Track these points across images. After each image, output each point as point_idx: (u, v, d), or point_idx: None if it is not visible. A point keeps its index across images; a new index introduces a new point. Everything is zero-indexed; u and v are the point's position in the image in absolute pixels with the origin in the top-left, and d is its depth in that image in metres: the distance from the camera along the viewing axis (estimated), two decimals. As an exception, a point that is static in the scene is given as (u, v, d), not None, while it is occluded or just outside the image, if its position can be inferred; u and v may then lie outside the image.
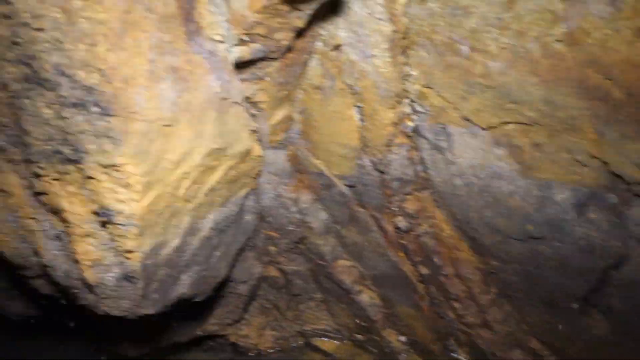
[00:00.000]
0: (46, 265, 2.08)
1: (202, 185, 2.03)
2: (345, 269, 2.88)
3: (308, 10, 1.95)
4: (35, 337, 3.73)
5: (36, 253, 2.08)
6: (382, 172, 2.53)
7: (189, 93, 1.82)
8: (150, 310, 2.04)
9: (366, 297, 2.93)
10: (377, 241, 2.72)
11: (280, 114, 2.48)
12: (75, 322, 2.97)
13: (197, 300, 2.38)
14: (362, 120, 2.41)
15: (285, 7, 1.86)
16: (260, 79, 2.25)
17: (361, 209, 2.68)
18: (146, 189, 1.75)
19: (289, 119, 2.54)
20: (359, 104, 2.37)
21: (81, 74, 1.54)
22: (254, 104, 2.35)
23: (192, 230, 2.10)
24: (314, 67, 2.36)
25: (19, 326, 3.32)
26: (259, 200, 2.66)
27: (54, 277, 2.11)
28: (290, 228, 2.79)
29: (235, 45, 1.99)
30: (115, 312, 2.02)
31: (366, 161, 2.53)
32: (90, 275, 1.92)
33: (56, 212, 1.89)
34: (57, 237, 1.98)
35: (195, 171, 1.94)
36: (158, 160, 1.76)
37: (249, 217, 2.59)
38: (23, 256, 2.14)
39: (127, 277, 1.90)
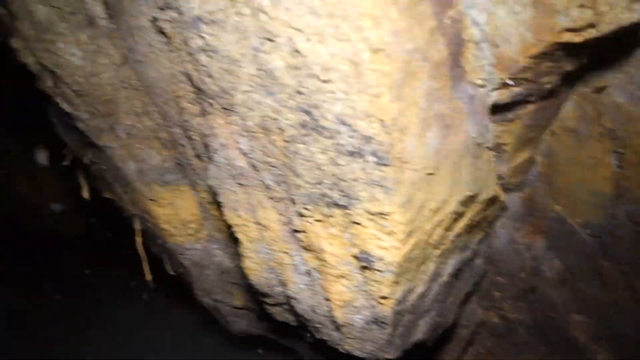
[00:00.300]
0: (291, 297, 2.17)
1: (450, 232, 1.97)
2: (579, 325, 2.63)
3: (585, 53, 1.80)
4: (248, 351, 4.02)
5: (283, 284, 2.18)
6: (638, 224, 2.25)
7: (450, 139, 1.77)
8: (392, 355, 2.02)
9: (602, 358, 2.64)
10: (623, 299, 2.43)
11: (522, 156, 2.33)
12: (295, 346, 3.09)
13: (427, 345, 2.32)
14: (620, 167, 2.17)
15: (561, 52, 1.73)
16: (509, 121, 2.14)
17: (607, 263, 2.42)
18: (407, 237, 1.72)
19: (530, 162, 2.38)
20: (619, 150, 2.13)
21: (362, 124, 1.55)
22: (497, 146, 2.24)
23: (435, 276, 2.05)
24: (569, 108, 2.18)
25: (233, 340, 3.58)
26: (489, 244, 2.54)
27: (297, 309, 2.19)
28: (520, 275, 2.62)
29: (495, 89, 1.90)
30: (358, 353, 2.03)
31: (620, 211, 2.27)
32: (339, 315, 1.95)
33: (311, 250, 1.95)
34: (307, 273, 2.05)
35: (448, 219, 1.88)
36: (420, 209, 1.73)
37: (479, 262, 2.48)
38: (269, 285, 2.25)
39: (377, 322, 1.89)
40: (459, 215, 1.94)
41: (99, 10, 2.19)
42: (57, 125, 2.97)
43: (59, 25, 2.21)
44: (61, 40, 2.23)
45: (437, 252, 1.97)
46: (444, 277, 2.13)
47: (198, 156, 2.36)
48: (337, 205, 1.74)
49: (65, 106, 2.46)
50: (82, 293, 6.19)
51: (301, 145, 1.73)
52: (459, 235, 2.04)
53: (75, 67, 2.29)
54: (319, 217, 1.82)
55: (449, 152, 1.78)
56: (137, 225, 2.98)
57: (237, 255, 2.79)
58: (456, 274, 2.24)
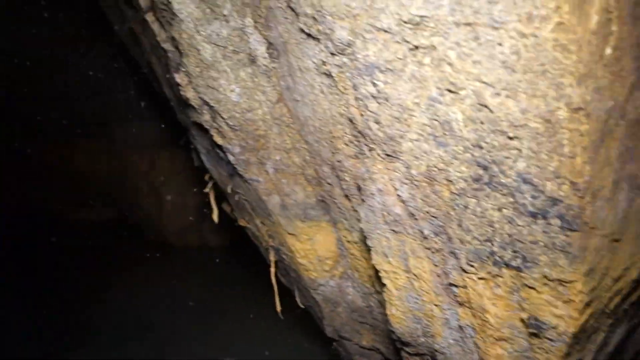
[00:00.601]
0: (438, 351, 2.08)
1: (627, 300, 1.80)
2: None
3: None
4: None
5: (429, 336, 2.09)
6: None
7: (638, 202, 1.62)
8: None
9: None
10: None
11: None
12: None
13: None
14: None
15: None
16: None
17: None
18: (586, 307, 1.58)
19: None
20: None
21: (549, 185, 1.45)
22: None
23: (602, 346, 1.88)
24: None
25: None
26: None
27: (442, 363, 2.09)
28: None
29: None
30: (512, 422, 1.89)
31: None
32: (496, 379, 1.83)
33: (468, 307, 1.85)
34: (460, 329, 1.95)
35: (627, 288, 1.72)
36: (602, 278, 1.59)
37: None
38: (412, 335, 2.17)
39: (541, 393, 1.75)
40: (638, 284, 1.77)
41: (261, 50, 2.24)
42: (204, 154, 3.09)
43: (222, 63, 2.29)
44: (223, 78, 2.31)
45: (609, 321, 1.81)
46: (610, 347, 1.95)
47: (346, 196, 2.35)
48: (507, 265, 1.64)
49: (218, 139, 2.54)
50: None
51: (472, 200, 1.65)
52: (632, 304, 1.86)
53: (233, 103, 2.37)
54: (484, 275, 1.73)
55: (636, 215, 1.62)
56: (272, 257, 3.02)
57: (370, 295, 2.75)
58: (622, 343, 2.04)
